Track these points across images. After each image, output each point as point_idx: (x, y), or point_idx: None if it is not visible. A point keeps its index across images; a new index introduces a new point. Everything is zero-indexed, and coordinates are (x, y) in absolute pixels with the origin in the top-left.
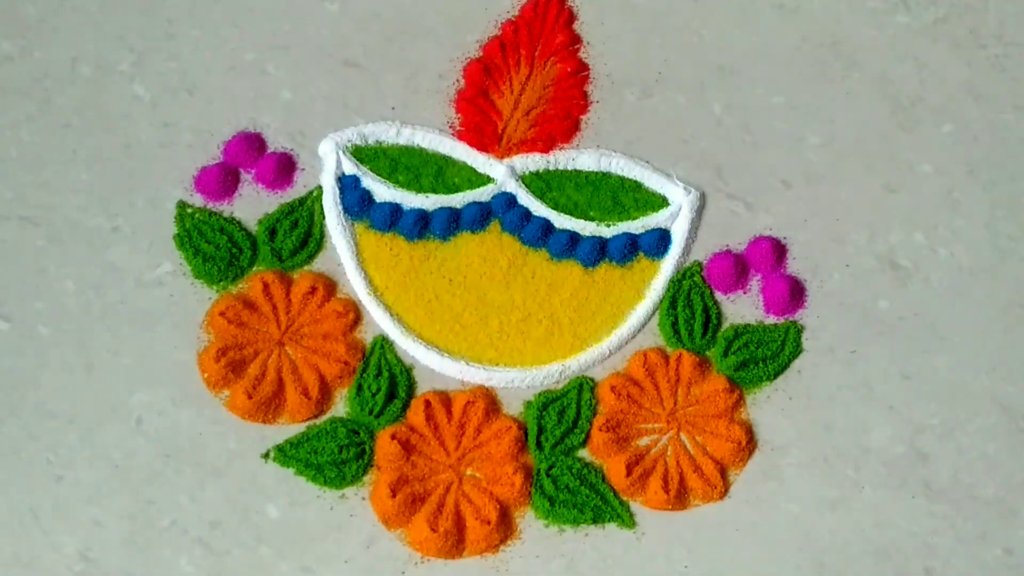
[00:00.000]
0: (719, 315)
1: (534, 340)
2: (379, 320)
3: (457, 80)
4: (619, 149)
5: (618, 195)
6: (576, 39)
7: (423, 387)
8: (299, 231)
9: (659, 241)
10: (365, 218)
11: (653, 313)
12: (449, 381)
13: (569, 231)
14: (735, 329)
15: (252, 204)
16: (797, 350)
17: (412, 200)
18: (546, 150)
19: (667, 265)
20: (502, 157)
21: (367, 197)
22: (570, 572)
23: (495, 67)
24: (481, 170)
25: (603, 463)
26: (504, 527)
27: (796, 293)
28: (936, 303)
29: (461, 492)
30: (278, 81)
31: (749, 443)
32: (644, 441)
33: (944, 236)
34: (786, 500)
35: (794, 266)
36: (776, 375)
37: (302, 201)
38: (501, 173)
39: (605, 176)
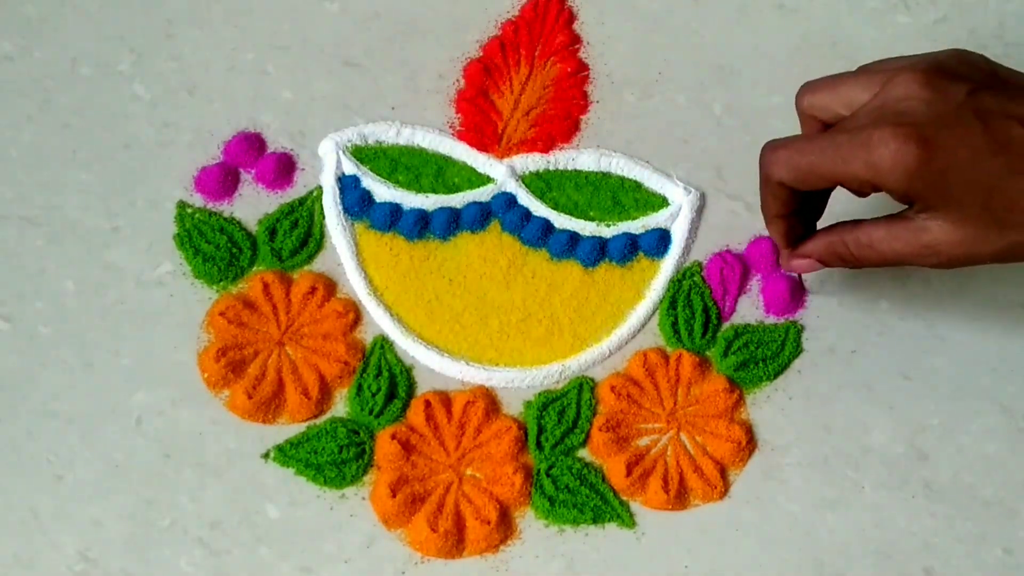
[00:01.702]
0: (719, 315)
1: (534, 340)
2: (379, 320)
3: (457, 80)
4: (619, 149)
5: (618, 195)
6: (576, 39)
7: (423, 387)
8: (299, 231)
9: (659, 241)
10: (365, 218)
11: (653, 313)
12: (449, 381)
13: (569, 231)
14: (735, 329)
15: (252, 204)
16: (797, 350)
17: (412, 200)
18: (546, 150)
19: (667, 265)
20: (502, 157)
21: (367, 197)
22: (570, 572)
23: (495, 67)
24: (481, 170)
25: (603, 463)
26: (504, 527)
27: (796, 293)
28: (936, 303)
29: (461, 492)
30: (278, 81)
31: (749, 443)
32: (644, 441)
33: None
34: (786, 500)
35: None
36: (776, 375)
37: (302, 201)
38: (501, 173)
39: (605, 176)
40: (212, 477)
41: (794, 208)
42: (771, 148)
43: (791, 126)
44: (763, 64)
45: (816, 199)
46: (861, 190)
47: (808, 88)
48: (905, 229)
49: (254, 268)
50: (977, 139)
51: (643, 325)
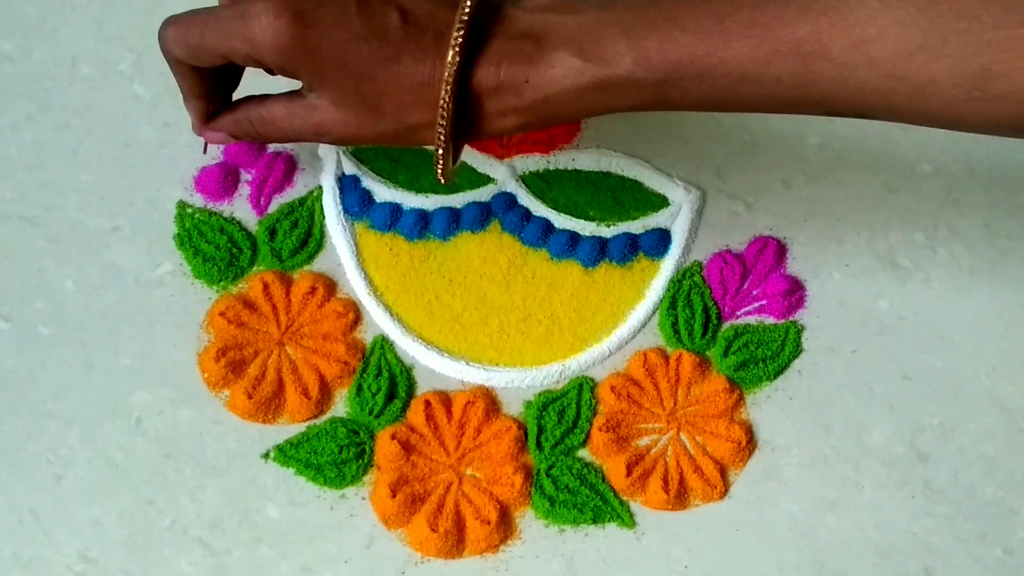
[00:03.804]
0: (719, 315)
1: (534, 340)
2: (379, 320)
3: None
4: (619, 149)
5: (618, 195)
6: None
7: (423, 387)
8: (299, 231)
9: (659, 241)
10: (365, 218)
11: (653, 313)
12: (449, 381)
13: (569, 231)
14: (735, 329)
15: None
16: (797, 350)
17: (412, 200)
18: (546, 150)
19: (667, 265)
20: (502, 157)
21: (367, 197)
22: (570, 572)
23: None
24: (481, 170)
25: (603, 463)
26: (504, 527)
27: (796, 293)
28: (936, 303)
29: (461, 492)
30: (278, 81)
31: (749, 443)
32: (644, 441)
33: (944, 236)
34: (786, 500)
35: (794, 266)
36: (776, 375)
37: (302, 201)
38: (501, 173)
39: (605, 176)
40: (212, 477)
41: (208, 87)
42: (165, 25)
43: (791, 126)
44: None
45: (229, 74)
46: (247, 64)
47: None
48: (301, 107)
49: (254, 268)
50: (352, 21)
51: (643, 325)
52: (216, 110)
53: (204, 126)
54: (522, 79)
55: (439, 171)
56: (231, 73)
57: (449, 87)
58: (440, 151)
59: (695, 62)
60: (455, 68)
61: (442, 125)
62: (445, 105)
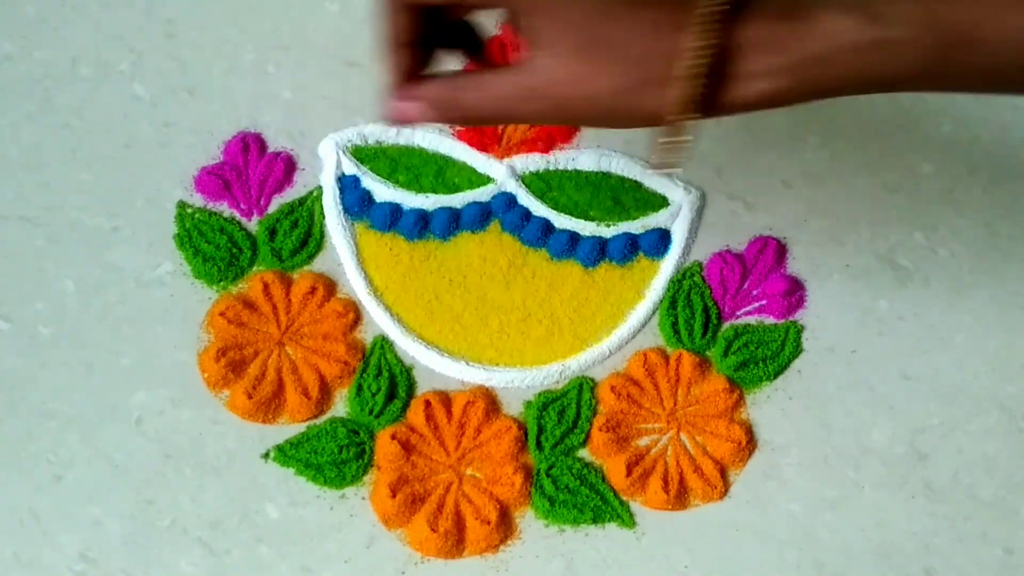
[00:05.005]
0: (719, 315)
1: (534, 340)
2: (379, 320)
3: None
4: (619, 149)
5: (618, 195)
6: None
7: (423, 387)
8: (299, 231)
9: (659, 241)
10: (365, 218)
11: (653, 313)
12: (449, 381)
13: (569, 231)
14: (735, 329)
15: None
16: (797, 350)
17: (412, 200)
18: (546, 150)
19: (667, 265)
20: (502, 157)
21: (367, 197)
22: (570, 572)
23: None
24: (481, 170)
25: (603, 463)
26: (504, 527)
27: (796, 293)
28: (936, 303)
29: (461, 492)
30: (278, 81)
31: (749, 443)
32: (644, 441)
33: (944, 236)
34: (786, 500)
35: (794, 266)
36: (776, 375)
37: (302, 201)
38: (501, 173)
39: (605, 176)
40: (212, 477)
41: (420, 35)
42: None
43: (791, 126)
44: None
45: (441, 36)
46: (477, 4)
47: None
48: (516, 71)
49: (254, 268)
50: None
51: (643, 325)
52: (415, 74)
53: (403, 88)
54: (789, 33)
55: (665, 146)
56: (444, 36)
57: (706, 30)
58: (680, 113)
59: (983, 24)
60: (714, 9)
61: (687, 79)
62: (697, 52)
